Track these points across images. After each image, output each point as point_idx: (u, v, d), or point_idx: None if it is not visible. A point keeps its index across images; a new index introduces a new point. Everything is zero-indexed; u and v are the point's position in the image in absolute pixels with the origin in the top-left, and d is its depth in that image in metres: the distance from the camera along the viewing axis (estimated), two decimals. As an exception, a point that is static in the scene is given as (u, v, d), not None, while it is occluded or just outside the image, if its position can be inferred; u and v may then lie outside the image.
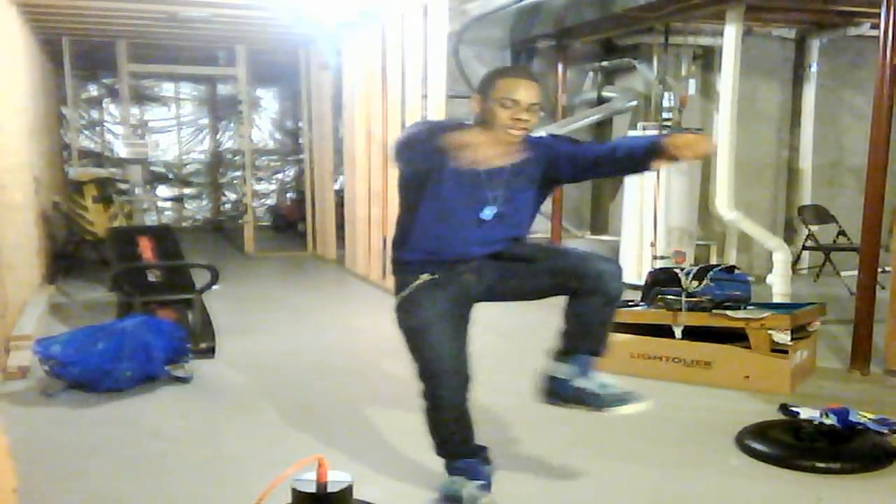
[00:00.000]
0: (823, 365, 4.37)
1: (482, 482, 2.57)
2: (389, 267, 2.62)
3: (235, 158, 11.82)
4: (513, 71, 2.42)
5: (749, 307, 4.09)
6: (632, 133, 6.82)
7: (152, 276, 4.94)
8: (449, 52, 5.98)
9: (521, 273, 2.51)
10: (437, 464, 3.00)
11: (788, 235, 7.53)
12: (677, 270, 4.36)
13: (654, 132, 6.51)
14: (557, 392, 2.53)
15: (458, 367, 2.50)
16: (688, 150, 2.26)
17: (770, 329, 3.87)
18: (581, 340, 2.50)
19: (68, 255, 7.45)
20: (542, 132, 7.02)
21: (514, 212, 2.51)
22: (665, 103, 6.86)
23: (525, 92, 2.34)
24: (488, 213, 2.46)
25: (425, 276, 2.46)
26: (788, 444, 3.08)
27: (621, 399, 2.46)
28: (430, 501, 2.69)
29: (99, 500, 2.74)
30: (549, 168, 2.52)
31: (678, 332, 4.09)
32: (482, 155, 2.10)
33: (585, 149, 2.58)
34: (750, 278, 4.57)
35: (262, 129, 12.07)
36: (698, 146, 2.27)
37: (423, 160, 2.36)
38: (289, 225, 10.89)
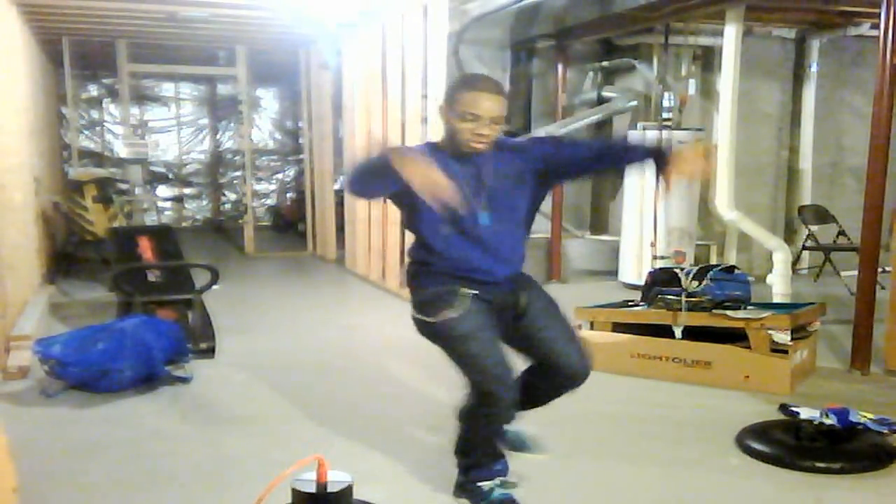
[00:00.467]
0: (823, 365, 4.37)
1: (510, 480, 2.65)
2: (409, 279, 2.61)
3: (235, 158, 11.82)
4: (477, 83, 2.38)
5: (749, 307, 4.09)
6: (632, 133, 6.82)
7: (152, 276, 4.94)
8: (449, 52, 5.97)
9: (516, 327, 2.55)
10: (437, 464, 3.00)
11: (788, 235, 7.52)
12: (677, 270, 4.36)
13: (654, 132, 6.52)
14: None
15: (507, 367, 2.48)
16: (685, 166, 2.34)
17: (770, 329, 3.87)
18: (526, 407, 2.69)
19: (68, 255, 7.45)
20: (541, 132, 7.03)
21: (510, 211, 2.51)
22: (665, 103, 6.86)
23: (488, 105, 2.33)
24: (485, 217, 2.45)
25: (464, 290, 2.45)
26: (788, 444, 3.08)
27: (527, 446, 2.78)
28: (430, 500, 2.69)
29: (99, 500, 2.74)
30: (535, 169, 2.52)
31: (678, 332, 4.09)
32: (431, 184, 2.11)
33: (574, 147, 2.63)
34: (750, 278, 4.57)
35: (262, 129, 12.08)
36: (695, 165, 2.34)
37: (382, 188, 2.41)
38: (289, 225, 10.90)
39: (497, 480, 2.59)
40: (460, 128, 2.36)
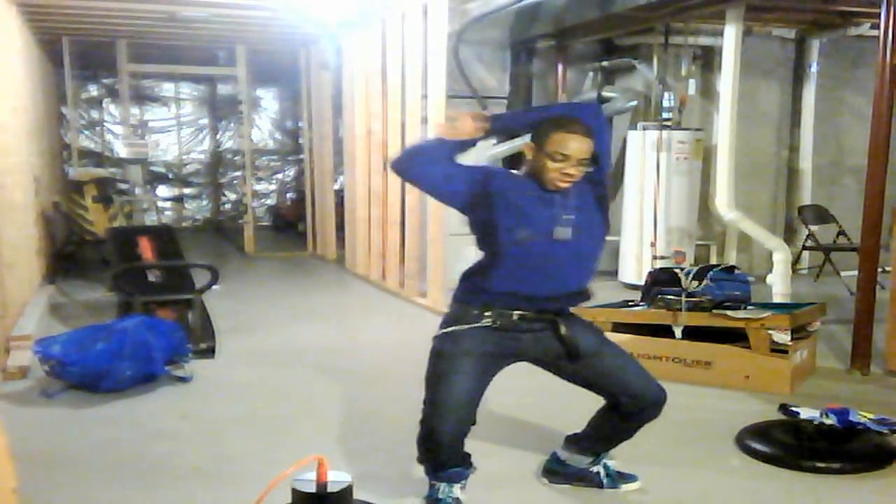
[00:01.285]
0: (823, 365, 4.37)
1: (462, 484, 2.63)
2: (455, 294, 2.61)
3: (235, 158, 11.82)
4: (569, 125, 2.44)
5: (749, 307, 4.09)
6: (632, 133, 6.82)
7: (152, 276, 4.94)
8: (449, 52, 5.97)
9: (575, 367, 2.57)
10: (437, 464, 3.00)
11: (788, 235, 7.52)
12: (677, 270, 4.36)
13: (654, 132, 6.52)
14: (564, 474, 2.82)
15: (467, 409, 2.50)
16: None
17: (770, 329, 3.87)
18: (606, 446, 2.79)
19: (68, 255, 7.45)
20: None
21: (588, 229, 2.52)
22: (665, 103, 6.86)
23: (577, 147, 2.41)
24: (562, 232, 2.44)
25: (487, 321, 2.47)
26: (788, 444, 3.08)
27: (621, 479, 2.80)
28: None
29: (98, 500, 2.74)
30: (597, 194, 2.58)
31: (678, 332, 4.09)
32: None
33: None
34: (750, 278, 4.57)
35: (262, 129, 12.07)
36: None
37: (429, 164, 2.50)
38: (289, 225, 10.90)
39: (440, 486, 2.61)
40: (549, 166, 2.42)
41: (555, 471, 2.85)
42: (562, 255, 2.46)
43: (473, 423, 2.55)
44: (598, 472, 2.79)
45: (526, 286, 2.47)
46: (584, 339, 2.56)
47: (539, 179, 2.46)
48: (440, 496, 2.60)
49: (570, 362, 2.55)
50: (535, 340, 2.53)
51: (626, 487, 2.80)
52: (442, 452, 2.55)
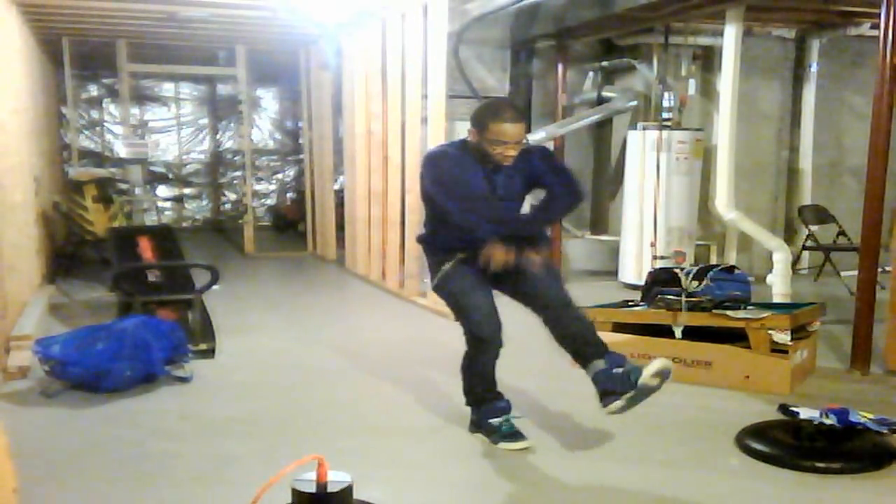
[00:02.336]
0: (823, 365, 4.37)
1: (506, 418, 3.15)
2: (423, 250, 3.28)
3: (235, 158, 11.82)
4: (502, 113, 2.93)
5: (749, 307, 4.09)
6: (631, 133, 6.82)
7: (152, 276, 4.94)
8: (449, 52, 5.97)
9: (520, 280, 3.08)
10: (437, 464, 3.01)
11: (788, 235, 7.52)
12: (677, 270, 4.36)
13: (654, 132, 6.52)
14: (608, 385, 2.95)
15: (492, 314, 3.08)
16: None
17: (770, 329, 3.87)
18: (574, 352, 3.10)
19: (68, 255, 7.45)
20: (542, 132, 7.01)
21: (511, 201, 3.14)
22: (665, 103, 6.86)
23: (512, 131, 2.93)
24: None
25: (460, 255, 3.09)
26: (788, 444, 3.08)
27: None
28: (430, 501, 2.68)
29: (99, 499, 2.74)
30: (531, 178, 3.15)
31: (678, 332, 4.09)
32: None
33: (551, 180, 3.14)
34: (750, 278, 4.57)
35: (262, 129, 12.07)
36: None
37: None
38: (289, 225, 10.89)
39: (503, 417, 3.14)
40: (491, 150, 2.95)
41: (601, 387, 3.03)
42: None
43: (501, 326, 3.08)
44: (495, 427, 3.17)
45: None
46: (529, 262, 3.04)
47: (483, 157, 3.00)
48: (505, 429, 3.11)
49: (513, 279, 3.06)
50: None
51: (506, 445, 3.12)
52: (492, 347, 3.07)
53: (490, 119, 2.93)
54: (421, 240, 3.28)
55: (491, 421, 3.16)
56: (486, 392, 3.18)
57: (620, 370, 2.91)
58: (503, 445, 3.11)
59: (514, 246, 2.97)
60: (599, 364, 2.95)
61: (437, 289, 3.20)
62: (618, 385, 2.88)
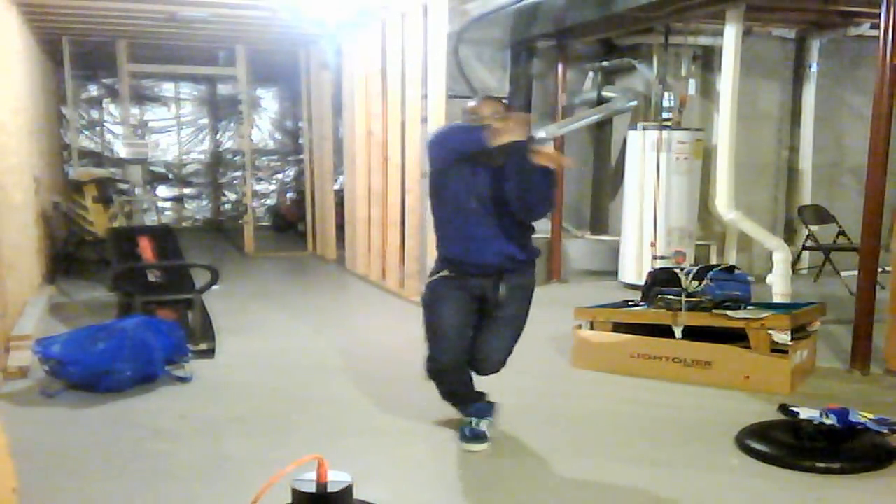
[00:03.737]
0: (823, 365, 4.37)
1: (489, 420, 3.22)
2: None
3: (235, 158, 11.82)
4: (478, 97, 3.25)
5: (749, 307, 4.09)
6: (631, 133, 6.82)
7: (152, 276, 4.94)
8: (449, 52, 5.97)
9: (487, 324, 3.15)
10: (437, 464, 3.01)
11: (788, 235, 7.52)
12: (677, 270, 4.36)
13: (654, 132, 6.52)
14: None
15: (456, 344, 3.09)
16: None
17: (770, 329, 3.87)
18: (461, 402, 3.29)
19: (68, 255, 7.45)
20: (541, 132, 7.00)
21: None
22: (665, 103, 6.86)
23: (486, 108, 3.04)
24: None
25: (444, 273, 3.11)
26: (788, 444, 3.08)
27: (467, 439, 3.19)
28: (429, 500, 2.68)
29: (98, 499, 2.74)
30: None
31: (678, 332, 4.09)
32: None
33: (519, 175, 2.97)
34: (750, 278, 4.57)
35: (262, 129, 12.07)
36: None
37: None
38: (289, 225, 10.89)
39: (471, 420, 3.19)
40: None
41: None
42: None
43: (464, 351, 3.11)
44: (464, 425, 3.23)
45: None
46: (506, 305, 3.11)
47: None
48: (473, 426, 3.16)
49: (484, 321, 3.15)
50: (481, 291, 3.14)
51: (465, 446, 3.15)
52: (448, 377, 3.14)
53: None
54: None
55: (470, 418, 3.22)
56: (456, 401, 3.26)
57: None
58: (464, 445, 3.16)
59: (497, 281, 3.05)
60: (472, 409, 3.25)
61: (422, 298, 3.22)
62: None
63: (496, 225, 3.00)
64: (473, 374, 3.21)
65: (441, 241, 3.14)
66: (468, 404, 3.23)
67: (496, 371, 3.18)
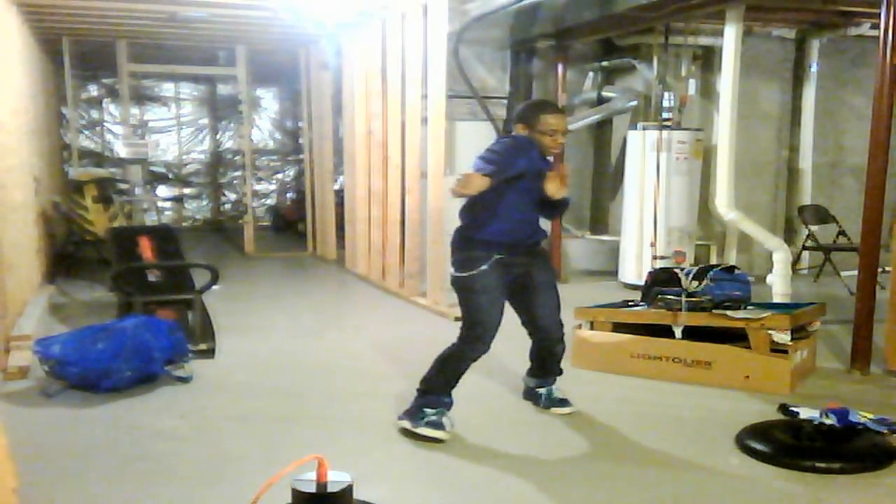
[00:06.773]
0: (823, 365, 4.37)
1: (447, 416, 3.29)
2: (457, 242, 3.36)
3: (235, 158, 11.83)
4: (550, 107, 3.38)
5: (749, 307, 4.09)
6: (631, 133, 6.82)
7: (152, 276, 4.94)
8: (449, 52, 5.97)
9: (530, 298, 3.40)
10: (437, 464, 3.00)
11: (788, 235, 7.53)
12: (677, 270, 4.36)
13: (654, 132, 6.52)
14: (524, 392, 3.71)
15: (497, 324, 3.25)
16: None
17: (770, 329, 3.87)
18: (543, 373, 3.62)
19: (68, 255, 7.45)
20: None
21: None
22: (665, 103, 6.86)
23: (561, 122, 3.32)
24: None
25: (496, 256, 3.24)
26: (788, 444, 3.08)
27: (553, 404, 3.58)
28: (429, 500, 2.68)
29: (99, 499, 2.74)
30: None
31: (678, 332, 4.09)
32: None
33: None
34: (750, 278, 4.57)
35: (262, 129, 12.08)
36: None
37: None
38: (289, 225, 10.89)
39: (439, 409, 3.25)
40: (545, 141, 3.28)
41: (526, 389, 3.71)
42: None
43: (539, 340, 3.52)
44: (539, 394, 3.60)
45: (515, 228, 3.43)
46: (543, 271, 3.44)
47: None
48: (434, 419, 3.21)
49: (523, 293, 3.38)
50: (518, 267, 3.40)
51: (555, 410, 3.54)
52: (477, 356, 3.24)
53: (541, 111, 3.30)
54: (460, 231, 3.34)
55: (426, 409, 3.24)
56: (445, 385, 3.29)
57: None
58: (421, 430, 3.20)
59: (525, 259, 3.34)
60: (552, 381, 3.61)
61: (461, 281, 3.26)
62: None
63: (534, 211, 3.39)
64: (548, 355, 3.53)
65: (487, 225, 3.27)
66: (439, 394, 3.29)
67: (562, 333, 3.49)
